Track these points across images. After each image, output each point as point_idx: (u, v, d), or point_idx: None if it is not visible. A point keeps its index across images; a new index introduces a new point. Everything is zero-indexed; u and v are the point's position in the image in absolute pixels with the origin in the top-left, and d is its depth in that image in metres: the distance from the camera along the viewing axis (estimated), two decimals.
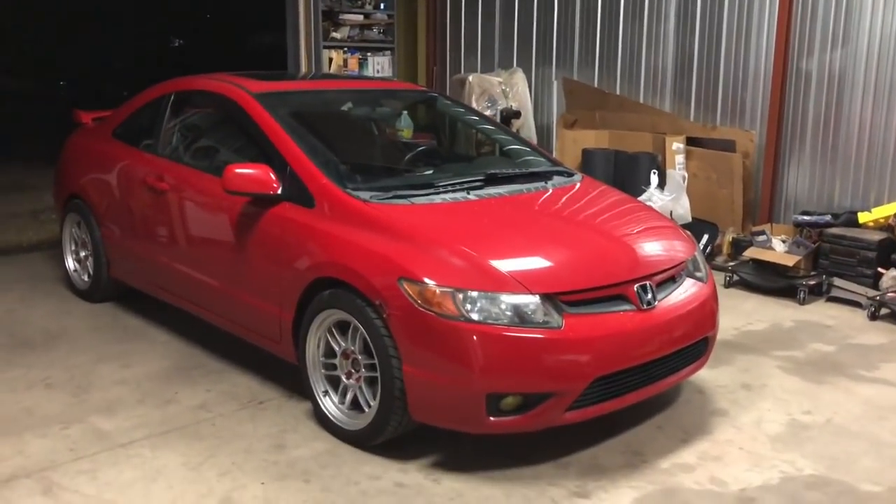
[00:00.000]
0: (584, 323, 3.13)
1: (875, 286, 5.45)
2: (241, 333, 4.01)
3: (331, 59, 8.06)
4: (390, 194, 3.55)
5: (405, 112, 6.67)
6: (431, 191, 3.66)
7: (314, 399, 3.54)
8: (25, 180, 8.70)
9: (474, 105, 7.51)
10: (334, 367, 3.47)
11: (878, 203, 5.86)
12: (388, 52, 8.63)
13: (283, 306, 3.60)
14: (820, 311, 5.33)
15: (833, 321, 5.13)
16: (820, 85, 6.09)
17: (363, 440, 3.35)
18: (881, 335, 4.88)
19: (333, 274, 3.34)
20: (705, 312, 3.62)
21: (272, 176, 3.63)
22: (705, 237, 6.32)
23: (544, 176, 4.17)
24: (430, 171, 4.13)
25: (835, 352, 4.60)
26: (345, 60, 8.20)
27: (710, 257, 6.32)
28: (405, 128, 7.54)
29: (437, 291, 3.04)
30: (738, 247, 6.18)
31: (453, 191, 3.71)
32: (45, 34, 19.33)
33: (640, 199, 6.29)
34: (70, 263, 5.37)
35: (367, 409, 3.33)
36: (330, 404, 3.49)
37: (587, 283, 3.22)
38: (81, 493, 3.03)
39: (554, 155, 7.59)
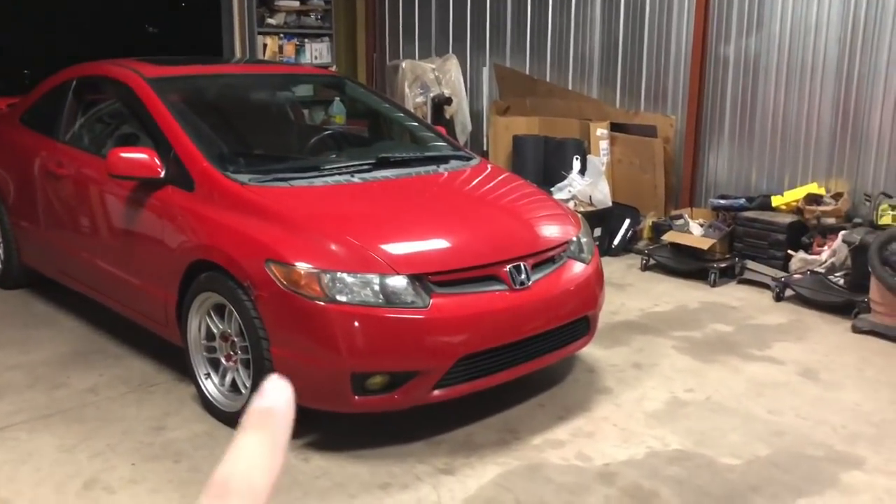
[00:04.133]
0: (451, 303, 3.18)
1: (786, 268, 5.55)
2: (135, 317, 4.03)
3: (265, 46, 8.03)
4: (270, 177, 3.58)
5: (338, 98, 6.68)
6: (315, 174, 3.70)
7: (196, 381, 3.57)
8: None
9: (406, 91, 7.54)
10: (215, 349, 3.50)
11: (792, 186, 5.95)
12: (327, 39, 8.62)
13: (167, 289, 3.62)
14: (729, 294, 5.42)
15: (739, 303, 5.23)
16: (737, 70, 6.17)
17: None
18: (782, 315, 4.98)
19: (208, 256, 3.37)
20: (585, 292, 3.68)
21: (156, 160, 3.65)
22: (627, 222, 6.41)
23: (440, 160, 4.20)
24: (324, 155, 4.16)
25: (732, 332, 4.69)
26: (280, 47, 8.18)
27: (631, 241, 6.41)
28: (337, 114, 7.57)
29: (303, 273, 3.08)
30: (658, 231, 6.26)
31: (338, 174, 3.75)
32: (9, 22, 18.99)
33: (561, 184, 6.38)
34: None
35: (243, 391, 3.37)
36: (211, 386, 3.53)
37: (457, 263, 3.27)
38: None
39: (486, 142, 7.66)
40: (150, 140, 3.85)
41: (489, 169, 4.27)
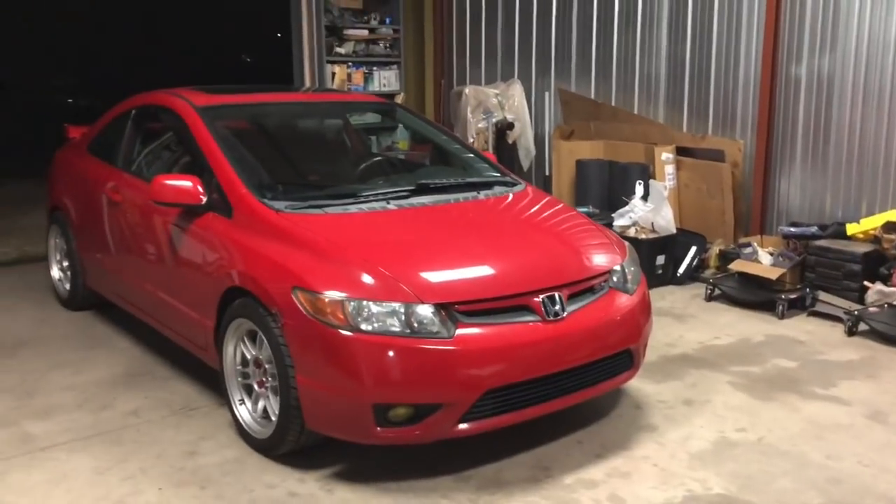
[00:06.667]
0: (478, 333, 3.09)
1: (861, 300, 5.21)
2: (178, 340, 4.10)
3: (333, 74, 8.17)
4: (306, 204, 3.58)
5: (401, 125, 6.70)
6: (350, 200, 3.69)
7: (230, 407, 3.59)
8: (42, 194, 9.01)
9: (469, 117, 7.52)
10: (249, 375, 3.51)
11: (870, 213, 5.61)
12: (395, 67, 8.71)
13: (206, 314, 3.67)
14: (797, 327, 5.12)
15: (807, 336, 4.92)
16: (809, 91, 5.88)
17: (270, 449, 3.37)
18: (853, 352, 4.65)
19: (240, 283, 3.39)
20: (627, 325, 3.53)
21: (199, 187, 3.71)
22: (693, 249, 6.16)
23: (481, 186, 4.14)
24: (365, 182, 4.15)
25: (795, 368, 4.41)
26: (349, 75, 8.30)
27: (697, 270, 6.15)
28: (401, 139, 7.61)
29: (328, 300, 3.05)
30: (725, 259, 6.00)
31: (374, 200, 3.73)
32: (115, 54, 19.89)
33: (622, 210, 6.20)
34: (55, 273, 5.58)
35: (273, 418, 3.35)
36: (245, 412, 3.53)
37: (485, 293, 3.18)
38: None
39: (549, 166, 7.54)
40: (196, 167, 3.93)
41: (532, 194, 4.17)
